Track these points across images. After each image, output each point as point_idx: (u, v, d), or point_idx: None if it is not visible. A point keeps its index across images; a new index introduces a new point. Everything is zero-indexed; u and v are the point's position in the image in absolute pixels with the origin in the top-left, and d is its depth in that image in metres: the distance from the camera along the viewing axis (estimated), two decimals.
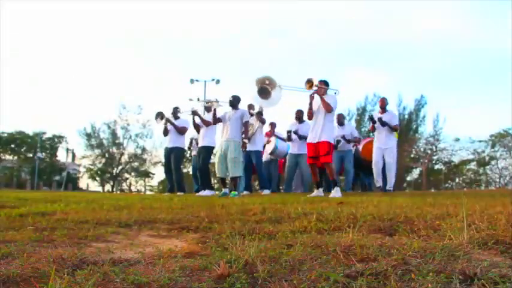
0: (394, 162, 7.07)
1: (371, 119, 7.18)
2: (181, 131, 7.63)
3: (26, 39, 49.31)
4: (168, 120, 7.54)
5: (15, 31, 48.76)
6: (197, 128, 7.15)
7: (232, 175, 6.22)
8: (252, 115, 7.21)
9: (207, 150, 7.02)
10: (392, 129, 7.00)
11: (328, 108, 5.40)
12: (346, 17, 49.42)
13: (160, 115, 7.63)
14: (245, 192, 6.93)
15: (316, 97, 5.47)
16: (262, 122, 7.24)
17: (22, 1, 49.03)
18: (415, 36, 45.62)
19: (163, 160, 8.28)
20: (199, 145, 7.09)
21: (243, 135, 6.42)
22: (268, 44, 51.82)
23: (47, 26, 53.26)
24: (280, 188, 8.63)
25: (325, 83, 5.57)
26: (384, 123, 6.88)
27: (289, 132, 7.67)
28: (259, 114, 7.10)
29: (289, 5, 51.68)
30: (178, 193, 7.29)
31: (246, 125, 6.45)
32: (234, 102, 6.47)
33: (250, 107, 7.32)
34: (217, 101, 6.70)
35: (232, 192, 6.19)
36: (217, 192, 6.89)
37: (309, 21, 49.50)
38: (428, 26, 44.00)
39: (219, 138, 6.75)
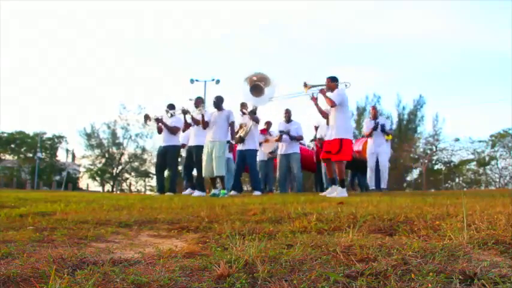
0: (387, 162, 7.43)
1: (376, 127, 7.43)
2: (173, 130, 7.46)
3: (26, 39, 49.34)
4: (157, 120, 7.40)
5: (15, 31, 48.78)
6: (188, 126, 7.13)
7: (216, 174, 6.26)
8: (244, 114, 7.17)
9: (201, 150, 7.00)
10: (386, 133, 7.44)
11: (330, 103, 5.39)
12: (346, 17, 49.45)
13: (147, 118, 7.52)
14: (233, 193, 6.85)
15: (322, 96, 5.53)
16: (256, 121, 7.11)
17: (22, 1, 49.07)
18: (415, 36, 45.68)
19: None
20: (191, 144, 7.04)
21: (231, 136, 6.43)
22: (269, 43, 51.86)
23: (46, 25, 53.27)
24: (274, 188, 8.60)
25: (331, 79, 5.57)
26: (384, 130, 7.35)
27: (281, 132, 7.67)
28: (253, 113, 6.98)
29: (289, 5, 51.71)
30: (168, 193, 7.17)
31: (232, 125, 6.46)
32: (218, 103, 6.49)
33: (243, 105, 7.26)
34: (203, 102, 6.70)
35: (222, 191, 6.20)
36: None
37: (308, 20, 49.54)
38: (428, 26, 44.05)
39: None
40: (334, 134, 5.45)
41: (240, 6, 52.14)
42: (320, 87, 5.59)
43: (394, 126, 29.96)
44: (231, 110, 6.58)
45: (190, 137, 7.20)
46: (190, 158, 7.11)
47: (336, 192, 5.38)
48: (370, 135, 7.45)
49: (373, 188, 7.31)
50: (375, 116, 7.61)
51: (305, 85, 5.60)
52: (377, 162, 7.38)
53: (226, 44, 51.75)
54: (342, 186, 5.44)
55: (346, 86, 5.62)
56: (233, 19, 53.22)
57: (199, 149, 6.86)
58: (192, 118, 6.84)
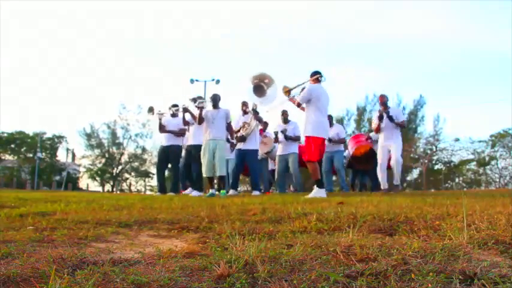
0: (400, 160, 6.60)
1: (381, 116, 6.66)
2: (176, 132, 7.44)
3: (26, 39, 49.33)
4: (160, 115, 7.34)
5: (15, 31, 48.77)
6: (187, 125, 7.12)
7: (219, 174, 6.25)
8: (246, 113, 7.14)
9: (199, 149, 7.00)
10: (399, 125, 6.63)
11: (296, 104, 5.42)
12: (346, 17, 49.47)
13: (151, 110, 7.47)
14: (231, 192, 6.81)
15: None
16: (260, 120, 7.09)
17: (22, 1, 49.07)
18: (415, 36, 45.72)
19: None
20: (190, 143, 7.04)
21: (229, 136, 6.42)
22: (269, 43, 51.87)
23: (46, 25, 53.25)
24: (272, 188, 8.56)
25: (311, 74, 5.49)
26: (392, 119, 6.55)
27: (276, 133, 7.66)
28: (256, 112, 6.95)
29: (289, 5, 51.73)
30: (170, 193, 7.17)
31: (230, 125, 6.46)
32: (216, 100, 6.45)
33: (244, 104, 7.24)
34: (202, 100, 6.65)
35: (222, 191, 6.17)
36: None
37: (308, 20, 49.56)
38: (428, 26, 44.09)
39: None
40: (304, 133, 5.40)
41: (240, 6, 52.19)
42: (302, 86, 5.53)
43: None
44: (228, 109, 6.54)
45: (189, 137, 7.20)
46: (190, 157, 7.12)
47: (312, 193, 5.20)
48: (378, 130, 6.71)
49: (386, 188, 6.62)
50: (384, 106, 6.72)
51: (285, 88, 5.61)
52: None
53: (226, 44, 51.79)
54: (318, 186, 5.25)
55: (319, 80, 5.42)
56: (233, 19, 53.26)
57: (197, 148, 6.86)
58: (193, 116, 6.80)
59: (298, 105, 5.38)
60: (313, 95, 5.29)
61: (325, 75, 5.44)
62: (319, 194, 5.12)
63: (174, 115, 7.50)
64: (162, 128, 7.47)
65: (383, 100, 6.79)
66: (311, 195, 5.11)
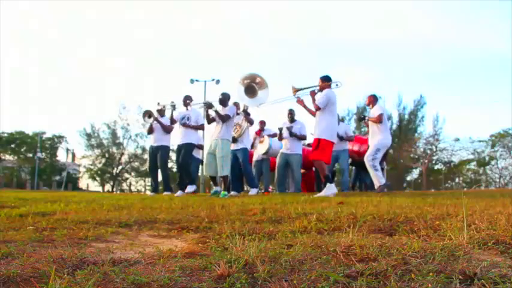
0: (369, 159, 6.27)
1: (360, 119, 7.28)
2: (168, 129, 7.50)
3: (27, 39, 49.36)
4: (156, 119, 7.44)
5: (15, 31, 48.79)
6: (174, 123, 7.22)
7: (221, 174, 6.19)
8: (237, 114, 7.12)
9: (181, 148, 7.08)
10: (374, 122, 6.40)
11: (315, 107, 5.45)
12: (346, 17, 49.48)
13: (148, 113, 7.55)
14: (233, 193, 6.72)
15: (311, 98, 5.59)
16: (250, 122, 7.03)
17: (22, 1, 49.09)
18: (415, 36, 45.73)
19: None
20: (178, 143, 7.17)
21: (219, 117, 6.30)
22: (268, 43, 51.90)
23: (47, 25, 53.27)
24: (271, 187, 8.50)
25: (322, 79, 5.56)
26: (362, 119, 6.98)
27: (280, 129, 7.60)
28: (247, 114, 6.90)
29: (289, 5, 51.75)
30: (165, 193, 7.17)
31: (223, 115, 6.27)
32: (225, 99, 6.40)
33: (236, 105, 7.22)
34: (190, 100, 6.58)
35: (222, 192, 6.13)
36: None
37: (309, 20, 49.56)
38: (428, 26, 44.10)
39: (208, 136, 6.71)
40: (315, 134, 5.47)
41: (240, 7, 52.19)
42: (311, 89, 5.60)
43: (395, 126, 29.95)
44: (234, 107, 6.49)
45: (177, 136, 7.29)
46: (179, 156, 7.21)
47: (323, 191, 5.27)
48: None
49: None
50: (372, 105, 6.71)
51: (293, 89, 5.68)
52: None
53: (226, 44, 51.82)
54: (327, 182, 5.31)
55: (337, 85, 5.54)
56: (233, 19, 53.27)
57: (181, 147, 6.92)
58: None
59: (318, 108, 5.44)
60: (331, 100, 5.42)
61: (341, 82, 5.58)
62: (331, 190, 5.20)
63: (162, 115, 7.57)
64: (151, 131, 7.60)
65: (368, 101, 6.79)
66: (323, 193, 5.16)
